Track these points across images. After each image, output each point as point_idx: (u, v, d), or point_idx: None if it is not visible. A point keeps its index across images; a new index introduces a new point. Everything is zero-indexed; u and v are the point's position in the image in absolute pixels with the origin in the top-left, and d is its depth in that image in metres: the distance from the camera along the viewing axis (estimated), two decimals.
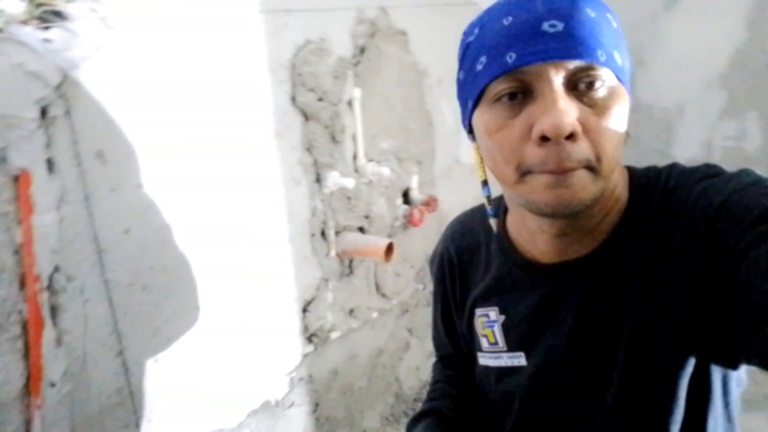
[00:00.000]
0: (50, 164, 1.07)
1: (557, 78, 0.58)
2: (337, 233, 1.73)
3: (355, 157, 1.76)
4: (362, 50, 1.74)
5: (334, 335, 1.76)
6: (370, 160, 1.81)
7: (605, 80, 0.60)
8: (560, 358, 0.72)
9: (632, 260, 0.66)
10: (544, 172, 0.60)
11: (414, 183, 2.01)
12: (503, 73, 0.60)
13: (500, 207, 0.81)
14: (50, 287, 1.10)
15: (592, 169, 0.60)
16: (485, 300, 0.81)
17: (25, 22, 1.02)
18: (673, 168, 0.69)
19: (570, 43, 0.58)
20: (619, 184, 0.69)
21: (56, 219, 1.09)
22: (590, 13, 0.60)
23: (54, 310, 1.11)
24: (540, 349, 0.75)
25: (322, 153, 1.62)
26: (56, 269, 1.10)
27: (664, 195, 0.66)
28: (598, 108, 0.60)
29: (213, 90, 1.31)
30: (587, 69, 0.59)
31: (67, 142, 1.09)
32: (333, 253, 1.71)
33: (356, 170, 1.76)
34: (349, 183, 1.63)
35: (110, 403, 1.22)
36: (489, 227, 0.81)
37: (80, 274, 1.13)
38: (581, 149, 0.58)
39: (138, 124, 1.18)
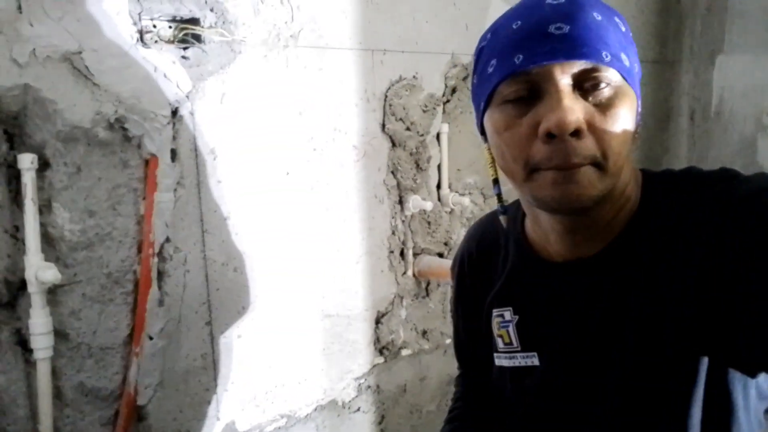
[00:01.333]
0: (174, 153, 1.32)
1: (563, 78, 0.61)
2: (416, 255, 1.85)
3: (439, 186, 1.90)
4: (453, 90, 1.90)
5: (404, 352, 1.85)
6: (454, 191, 1.94)
7: (611, 80, 0.63)
8: (571, 357, 0.74)
9: (642, 258, 0.67)
10: (551, 169, 0.62)
11: None
12: (512, 73, 0.63)
13: (519, 210, 0.83)
14: (160, 254, 1.33)
15: (598, 165, 0.62)
16: (501, 300, 0.83)
17: (170, 42, 1.30)
18: (689, 171, 0.71)
19: (575, 44, 0.61)
20: (630, 183, 0.70)
21: (172, 198, 1.33)
22: (596, 16, 0.63)
23: (160, 275, 1.33)
24: (552, 349, 0.76)
25: (406, 177, 1.78)
26: (167, 240, 1.33)
27: (678, 196, 0.67)
28: (604, 107, 0.62)
29: (311, 109, 1.53)
30: (592, 69, 0.62)
31: (189, 137, 1.34)
32: (410, 272, 1.83)
33: (439, 198, 1.89)
34: (428, 206, 1.76)
35: (195, 366, 1.40)
36: (509, 229, 0.84)
37: (185, 248, 1.36)
38: (587, 146, 0.61)
39: (244, 131, 1.42)
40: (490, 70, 0.66)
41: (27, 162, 1.14)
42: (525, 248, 0.80)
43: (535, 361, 0.78)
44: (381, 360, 1.79)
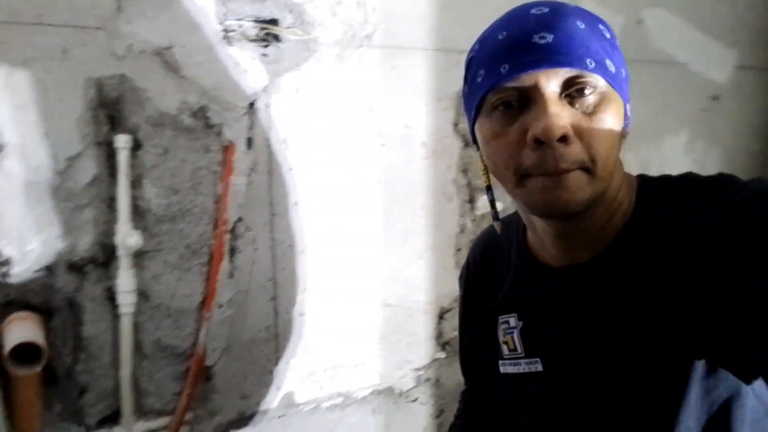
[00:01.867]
0: (249, 142, 1.46)
1: (549, 86, 0.62)
2: None
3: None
4: None
5: None
6: None
7: (596, 86, 0.63)
8: (569, 362, 0.74)
9: (637, 263, 0.67)
10: (540, 175, 0.63)
11: None
12: (498, 82, 0.64)
13: (521, 217, 0.83)
14: (233, 232, 1.47)
15: (587, 170, 0.63)
16: (506, 307, 0.83)
17: (251, 40, 1.44)
18: (686, 176, 0.70)
19: (558, 52, 0.62)
20: (622, 188, 0.71)
21: (246, 182, 1.46)
22: (580, 24, 0.64)
23: (232, 250, 1.47)
24: (552, 354, 0.76)
25: (478, 177, 1.80)
26: (239, 219, 1.47)
27: (675, 200, 0.67)
28: (590, 112, 0.63)
29: (381, 106, 1.61)
30: (577, 76, 0.63)
31: (264, 127, 1.47)
32: None
33: (512, 201, 1.88)
34: (499, 206, 1.76)
35: (259, 337, 1.53)
36: (512, 237, 0.84)
37: (255, 228, 1.49)
38: (575, 151, 0.62)
39: (315, 124, 1.53)
40: (479, 80, 0.68)
41: (122, 142, 1.32)
42: (526, 254, 0.81)
43: (539, 367, 0.78)
44: (443, 355, 1.82)
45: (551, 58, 0.62)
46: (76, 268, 1.35)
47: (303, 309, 1.58)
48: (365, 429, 1.69)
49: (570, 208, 0.63)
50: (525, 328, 0.80)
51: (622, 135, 0.68)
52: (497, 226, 0.82)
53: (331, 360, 1.63)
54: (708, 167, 2.25)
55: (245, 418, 1.55)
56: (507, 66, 0.64)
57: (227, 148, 1.44)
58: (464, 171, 1.79)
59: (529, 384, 0.79)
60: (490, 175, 0.75)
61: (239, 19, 1.42)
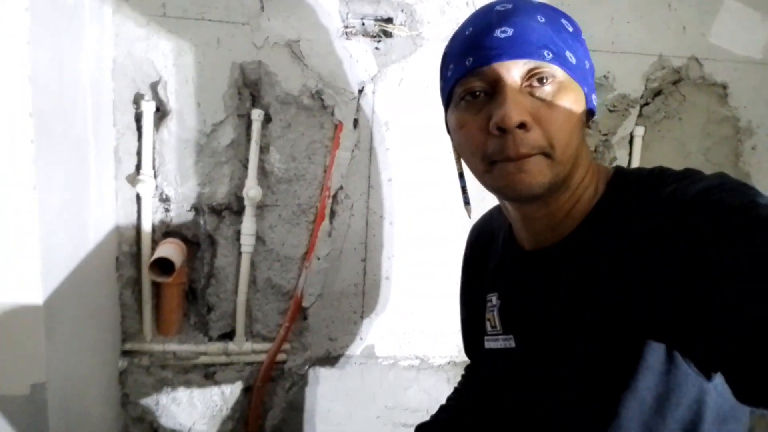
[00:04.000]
0: (355, 122, 1.71)
1: (509, 76, 0.67)
2: None
3: None
4: (657, 93, 1.84)
5: None
6: None
7: (554, 76, 0.67)
8: (538, 343, 0.77)
9: (603, 246, 0.69)
10: (504, 160, 0.67)
11: None
12: (463, 75, 0.70)
13: None
14: (334, 198, 1.73)
15: (547, 155, 0.67)
16: (491, 286, 0.89)
17: (367, 36, 1.68)
18: (655, 170, 0.72)
19: (517, 44, 0.67)
20: (588, 175, 0.74)
21: (349, 157, 1.71)
22: (540, 19, 0.69)
23: (332, 213, 1.74)
24: (524, 333, 0.81)
25: None
26: (341, 188, 1.73)
27: (639, 190, 0.69)
28: (548, 101, 0.67)
29: None
30: (536, 67, 0.67)
31: (369, 110, 1.70)
32: None
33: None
34: None
35: (348, 291, 1.78)
36: (504, 220, 0.88)
37: (353, 197, 1.73)
38: (534, 137, 0.66)
39: (415, 111, 1.71)
40: (449, 73, 0.73)
41: (256, 115, 1.66)
42: (509, 237, 0.86)
43: (512, 344, 0.82)
44: None
45: (511, 50, 0.67)
46: (215, 211, 1.73)
47: (389, 273, 1.78)
48: (439, 393, 1.84)
49: (532, 190, 0.67)
50: (503, 306, 0.85)
51: (583, 122, 0.72)
52: (468, 210, 0.88)
53: (411, 324, 1.81)
54: None
55: (331, 358, 1.81)
56: (471, 59, 0.69)
57: (337, 127, 1.70)
58: None
59: (505, 359, 0.84)
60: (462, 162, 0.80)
61: (360, 18, 1.67)
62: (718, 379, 0.64)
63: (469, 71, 0.69)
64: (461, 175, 0.84)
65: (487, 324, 0.88)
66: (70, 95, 1.29)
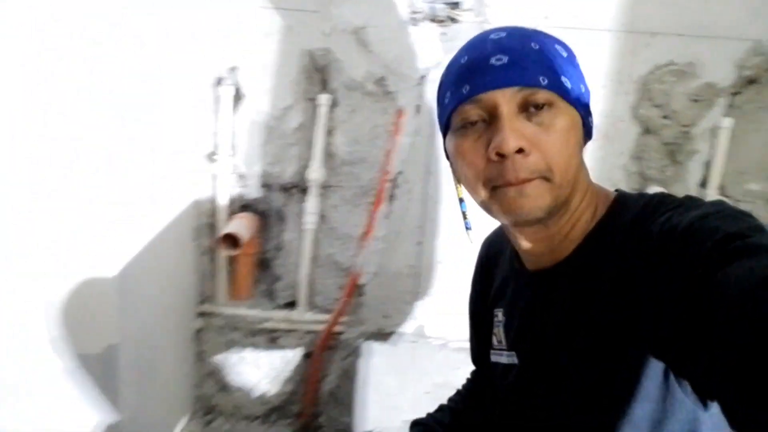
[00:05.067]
0: (417, 108, 1.73)
1: (506, 103, 0.67)
2: None
3: (703, 185, 1.74)
4: (750, 81, 1.68)
5: None
6: (726, 196, 1.74)
7: (551, 101, 0.68)
8: (536, 360, 0.79)
9: (600, 269, 0.70)
10: (505, 185, 0.68)
11: None
12: (461, 102, 0.69)
13: None
14: (394, 181, 1.78)
15: (546, 179, 0.67)
16: (497, 301, 0.89)
17: (434, 21, 1.68)
18: (655, 196, 0.71)
19: (513, 71, 0.67)
20: (586, 197, 0.74)
21: (410, 142, 1.75)
22: (534, 46, 0.69)
23: (391, 196, 1.79)
24: (525, 350, 0.81)
25: (652, 167, 1.72)
26: (400, 172, 1.77)
27: (638, 215, 0.69)
28: (545, 126, 0.67)
29: None
30: (532, 93, 0.67)
31: (431, 97, 1.72)
32: None
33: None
34: None
35: (403, 272, 1.84)
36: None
37: (411, 181, 1.77)
38: (532, 162, 0.66)
39: None
40: (446, 101, 0.73)
41: (324, 100, 1.74)
42: (513, 256, 0.86)
43: (515, 360, 0.83)
44: None
45: (507, 77, 0.67)
46: (284, 189, 1.85)
47: (442, 257, 1.81)
48: None
49: (533, 214, 0.68)
50: (507, 323, 0.86)
51: (581, 146, 0.72)
52: (469, 236, 0.88)
53: (461, 308, 1.83)
54: None
55: (385, 334, 1.89)
56: (468, 87, 0.69)
57: (399, 112, 1.73)
58: (638, 158, 1.73)
59: (507, 375, 0.85)
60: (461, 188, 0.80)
61: (429, 2, 1.67)
62: (714, 408, 0.64)
63: (465, 99, 0.70)
64: (461, 201, 0.85)
65: (494, 338, 0.90)
66: (154, 80, 1.43)
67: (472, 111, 0.70)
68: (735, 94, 1.69)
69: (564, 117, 0.68)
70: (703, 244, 0.57)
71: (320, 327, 1.89)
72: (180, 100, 1.63)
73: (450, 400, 1.10)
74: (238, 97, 1.75)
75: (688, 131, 1.71)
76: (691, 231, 0.59)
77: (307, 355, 1.92)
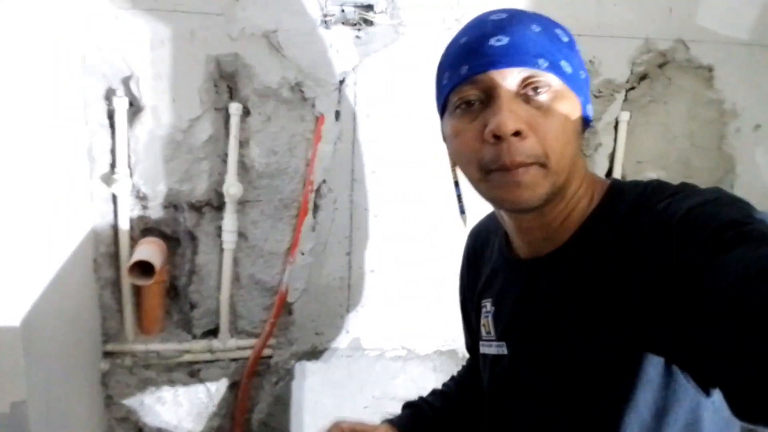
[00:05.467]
0: (337, 114, 1.66)
1: (504, 84, 0.66)
2: None
3: (608, 176, 1.85)
4: (643, 77, 1.82)
5: None
6: None
7: (550, 85, 0.67)
8: (527, 350, 0.78)
9: (595, 257, 0.69)
10: (500, 169, 0.67)
11: None
12: (459, 83, 0.69)
13: None
14: (317, 191, 1.70)
15: (542, 165, 0.66)
16: (486, 292, 0.89)
17: (347, 24, 1.62)
18: (651, 183, 0.71)
19: (513, 53, 0.66)
20: (582, 186, 0.74)
21: (332, 150, 1.67)
22: (535, 28, 0.68)
23: (315, 207, 1.70)
24: (515, 340, 0.81)
25: None
26: (324, 181, 1.69)
27: (634, 203, 0.69)
28: (543, 109, 0.67)
29: None
30: (531, 75, 0.67)
31: (351, 102, 1.66)
32: None
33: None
34: None
35: (333, 285, 1.76)
36: (500, 226, 0.87)
37: (336, 190, 1.70)
38: (530, 146, 0.65)
39: (397, 101, 1.67)
40: (444, 81, 0.73)
41: (234, 109, 1.61)
42: (503, 244, 0.86)
43: (505, 351, 0.82)
44: None
45: (506, 58, 0.66)
46: (195, 208, 1.69)
47: (374, 266, 1.76)
48: (426, 382, 1.85)
49: (530, 203, 0.67)
50: (496, 313, 0.85)
51: (579, 132, 0.71)
52: (464, 219, 0.87)
53: (397, 315, 1.80)
54: None
55: (317, 352, 1.80)
56: (466, 67, 0.69)
57: (318, 119, 1.65)
58: None
59: (497, 365, 0.85)
60: (457, 171, 0.78)
61: (339, 5, 1.60)
62: (716, 395, 0.64)
63: (464, 79, 0.69)
64: (456, 184, 0.84)
65: (482, 329, 0.88)
66: (38, 93, 1.23)
67: (469, 92, 0.69)
68: (630, 89, 1.82)
69: (563, 101, 0.68)
70: (702, 232, 0.57)
71: (246, 353, 1.75)
72: (69, 114, 1.42)
73: (444, 385, 1.09)
74: (136, 109, 1.57)
75: (593, 126, 1.80)
76: (690, 218, 0.60)
77: (234, 385, 1.77)
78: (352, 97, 1.65)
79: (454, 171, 0.81)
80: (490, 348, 0.86)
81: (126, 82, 1.54)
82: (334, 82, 1.63)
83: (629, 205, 0.69)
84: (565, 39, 0.71)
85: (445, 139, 0.77)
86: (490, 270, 0.89)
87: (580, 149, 0.73)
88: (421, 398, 1.04)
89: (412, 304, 1.81)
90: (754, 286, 0.49)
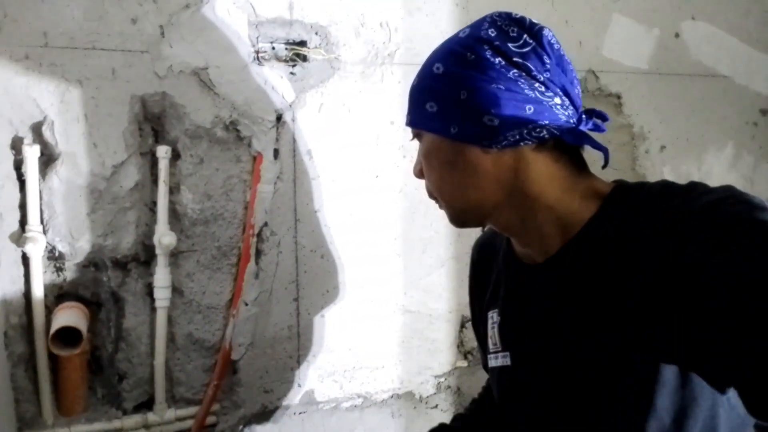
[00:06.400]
0: (276, 152, 1.58)
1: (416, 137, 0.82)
2: None
3: None
4: None
5: None
6: None
7: (421, 137, 0.80)
8: (528, 359, 0.78)
9: (594, 258, 0.70)
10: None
11: None
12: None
13: None
14: (259, 236, 1.59)
15: (437, 199, 0.81)
16: (493, 303, 0.88)
17: (281, 60, 1.57)
18: (657, 184, 0.71)
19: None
20: (566, 199, 0.72)
21: (272, 190, 1.58)
22: (415, 81, 0.80)
23: (258, 253, 1.59)
24: (518, 349, 0.81)
25: None
26: (265, 224, 1.58)
27: (646, 201, 0.68)
28: (425, 159, 0.79)
29: (402, 119, 1.69)
30: (413, 131, 0.82)
31: (289, 139, 1.59)
32: None
33: None
34: None
35: (281, 335, 1.63)
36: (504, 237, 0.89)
37: (280, 232, 1.60)
38: (427, 186, 0.81)
39: (338, 136, 1.63)
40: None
41: (163, 152, 1.47)
42: (507, 251, 0.86)
43: (508, 361, 0.82)
44: (464, 363, 1.85)
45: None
46: (120, 264, 1.51)
47: (324, 311, 1.66)
48: (385, 430, 1.75)
49: (454, 224, 0.82)
50: (502, 323, 0.84)
51: (470, 168, 0.73)
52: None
53: (350, 361, 1.70)
54: (757, 182, 2.17)
55: (267, 413, 1.65)
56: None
57: (256, 159, 1.56)
58: None
59: (502, 377, 0.84)
60: None
61: (270, 42, 1.55)
62: (731, 392, 0.64)
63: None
64: None
65: (489, 342, 0.87)
66: None
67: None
68: None
69: (427, 148, 0.78)
70: (715, 233, 0.58)
71: (188, 424, 1.56)
72: None
73: (466, 409, 1.10)
74: (50, 158, 1.39)
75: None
76: (703, 219, 0.60)
77: None
78: (290, 134, 1.59)
79: None
80: (496, 360, 0.85)
81: (37, 128, 1.37)
82: (271, 119, 1.56)
83: (637, 206, 0.69)
84: (440, 71, 0.74)
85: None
86: (495, 280, 0.89)
87: (523, 171, 0.72)
88: (441, 424, 1.03)
89: (365, 346, 1.72)
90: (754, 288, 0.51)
